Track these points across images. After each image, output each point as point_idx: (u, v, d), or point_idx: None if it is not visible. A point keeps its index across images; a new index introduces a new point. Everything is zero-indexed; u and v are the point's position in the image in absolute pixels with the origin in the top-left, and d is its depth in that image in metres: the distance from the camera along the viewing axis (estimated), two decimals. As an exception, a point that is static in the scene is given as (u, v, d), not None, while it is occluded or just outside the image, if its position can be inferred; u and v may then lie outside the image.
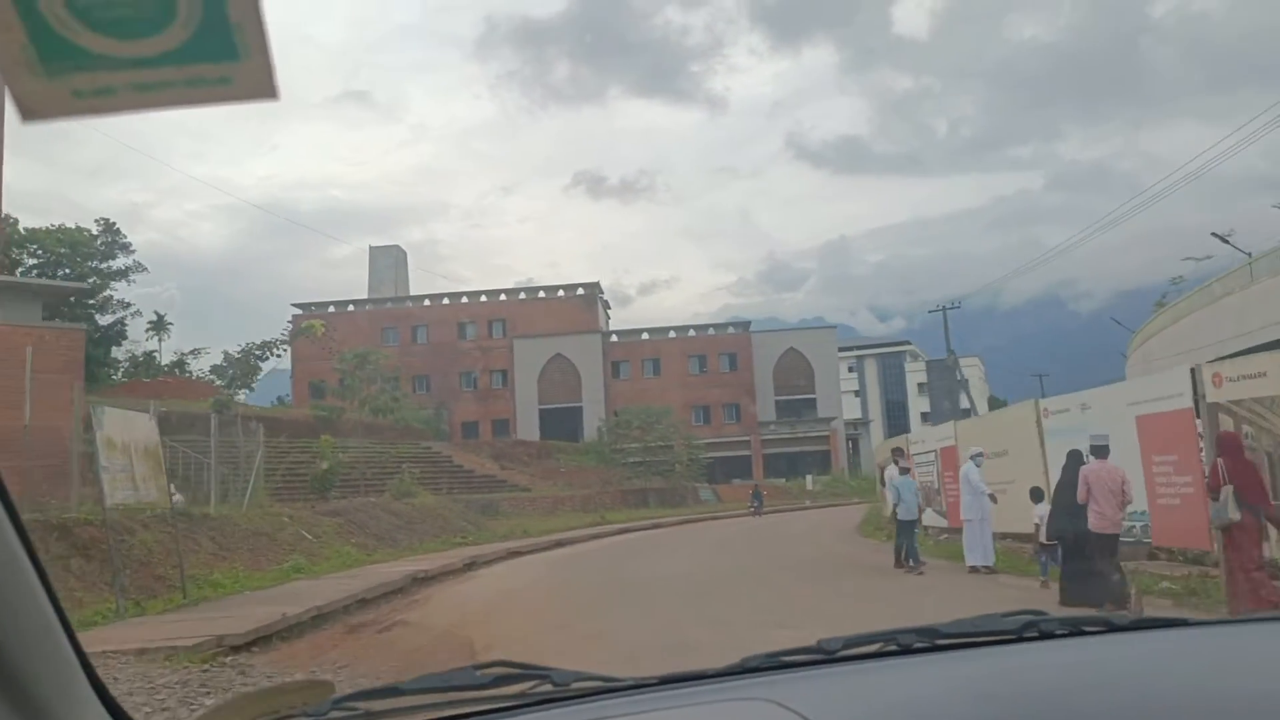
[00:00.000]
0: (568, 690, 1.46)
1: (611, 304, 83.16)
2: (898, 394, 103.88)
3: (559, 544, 26.15)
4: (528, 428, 69.81)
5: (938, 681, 1.44)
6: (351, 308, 75.68)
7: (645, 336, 75.55)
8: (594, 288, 76.43)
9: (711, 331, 75.51)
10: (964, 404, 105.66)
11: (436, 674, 1.48)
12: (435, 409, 70.13)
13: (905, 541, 13.86)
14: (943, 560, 14.70)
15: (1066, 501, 9.90)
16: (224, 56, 0.80)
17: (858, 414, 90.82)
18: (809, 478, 63.56)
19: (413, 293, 79.11)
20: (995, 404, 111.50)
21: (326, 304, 75.77)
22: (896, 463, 15.08)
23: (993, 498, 12.81)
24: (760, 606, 11.58)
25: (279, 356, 20.64)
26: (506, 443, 61.98)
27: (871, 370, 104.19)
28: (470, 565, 19.16)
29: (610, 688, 1.48)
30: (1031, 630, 1.59)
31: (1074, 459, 9.82)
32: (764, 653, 1.55)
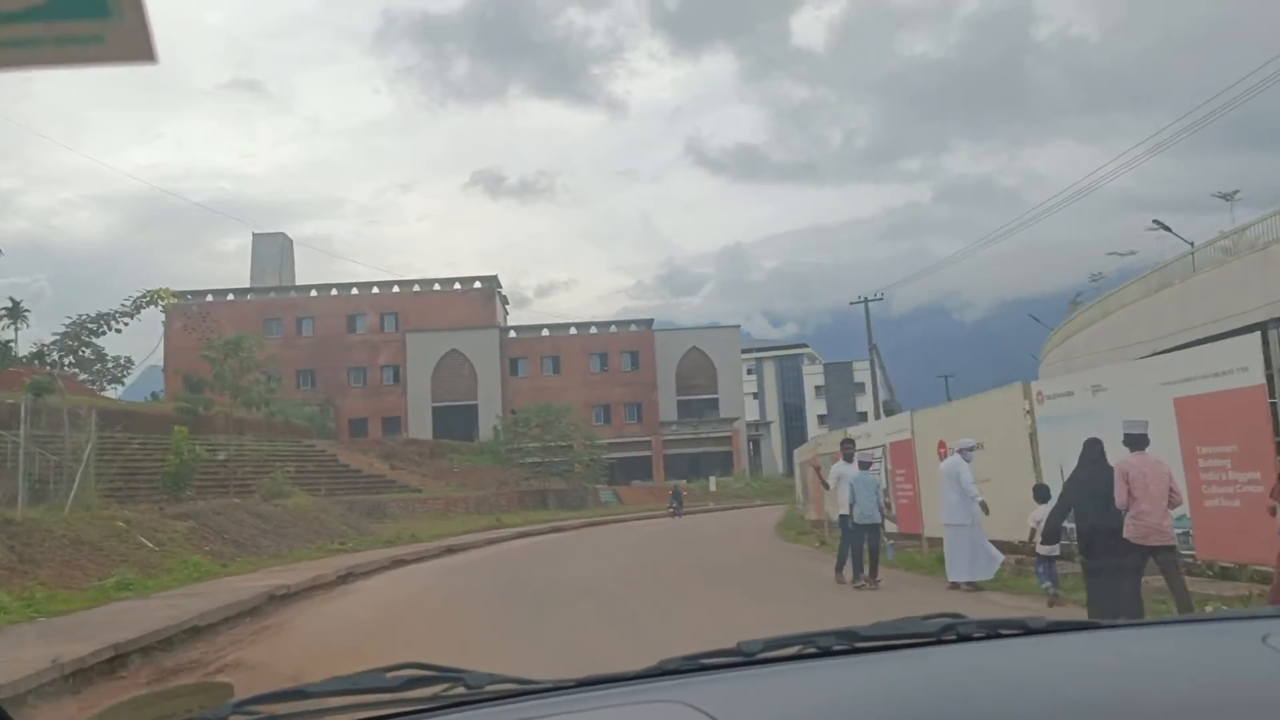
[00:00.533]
0: (482, 693, 1.42)
1: (509, 303, 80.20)
2: (795, 396, 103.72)
3: (450, 550, 23.46)
4: (420, 426, 66.47)
5: (855, 683, 1.43)
6: (231, 297, 71.05)
7: (545, 333, 72.90)
8: (492, 281, 73.39)
9: (613, 329, 73.29)
10: (869, 400, 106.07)
11: (345, 676, 1.41)
12: (321, 405, 66.28)
13: (854, 550, 11.77)
14: (902, 571, 12.64)
15: (1080, 501, 7.92)
16: (93, 13, 0.77)
17: (755, 416, 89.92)
18: (712, 479, 61.88)
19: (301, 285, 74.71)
20: (891, 409, 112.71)
21: (204, 292, 70.93)
22: (848, 457, 13.02)
23: (984, 506, 10.64)
24: (701, 635, 9.31)
25: (118, 331, 17.57)
26: (397, 441, 58.62)
27: (770, 373, 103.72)
28: (346, 577, 16.40)
29: (526, 690, 1.44)
30: (949, 633, 1.59)
31: (1093, 450, 7.83)
32: (682, 655, 1.52)
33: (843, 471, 12.48)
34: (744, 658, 1.53)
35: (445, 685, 1.43)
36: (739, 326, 78.80)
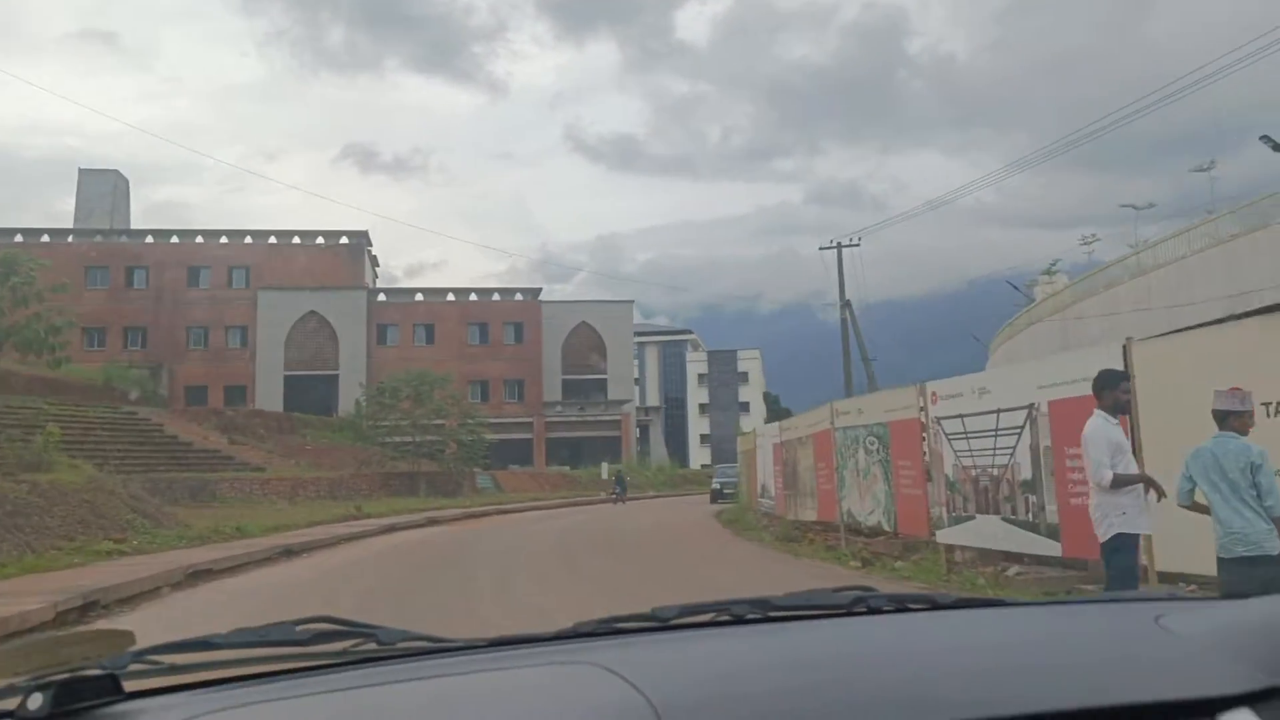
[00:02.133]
0: (394, 649, 1.41)
1: (379, 265, 71.76)
2: (677, 384, 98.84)
3: (289, 553, 16.48)
4: (270, 396, 58.07)
5: (767, 650, 1.46)
6: (48, 238, 60.54)
7: (419, 298, 65.15)
8: (362, 237, 65.10)
9: (497, 297, 66.11)
10: (752, 390, 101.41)
11: (251, 628, 1.39)
12: (152, 369, 57.12)
13: None
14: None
15: None
16: None
17: (637, 401, 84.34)
18: (605, 466, 55.71)
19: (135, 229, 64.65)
20: (770, 400, 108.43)
21: (13, 231, 60.34)
22: (1117, 407, 6.14)
23: None
24: None
25: None
26: (241, 412, 50.35)
27: (652, 358, 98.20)
28: (86, 607, 9.43)
29: (439, 648, 1.44)
30: (860, 605, 1.64)
31: None
32: (597, 619, 1.54)
33: (1121, 439, 6.00)
34: (659, 623, 1.54)
35: (356, 640, 1.41)
36: (633, 303, 72.47)
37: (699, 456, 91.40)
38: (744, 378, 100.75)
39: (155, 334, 60.31)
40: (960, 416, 9.99)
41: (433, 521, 26.92)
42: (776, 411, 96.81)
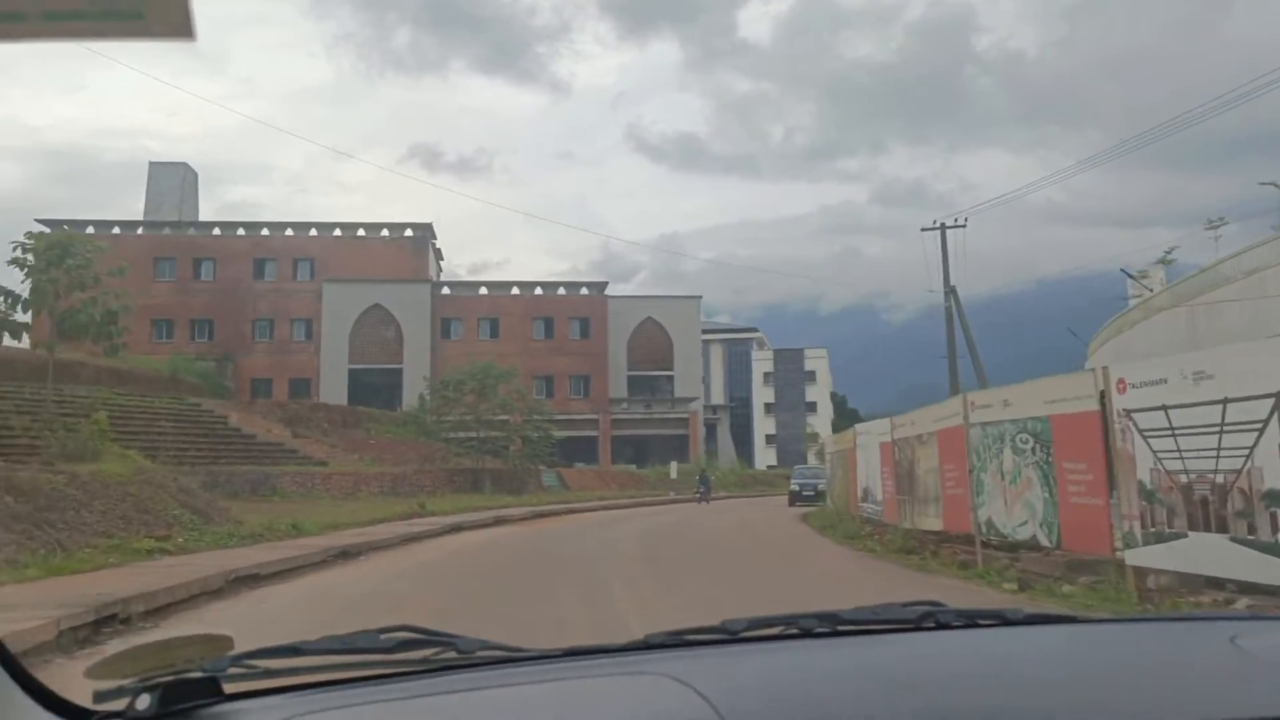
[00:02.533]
0: (473, 658, 1.47)
1: (444, 259, 70.80)
2: (742, 384, 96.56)
3: (345, 555, 14.99)
4: (334, 390, 57.37)
5: (835, 663, 1.47)
6: (118, 230, 60.57)
7: (483, 291, 63.96)
8: (426, 230, 64.18)
9: (562, 291, 64.63)
10: (820, 390, 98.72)
11: (339, 636, 1.45)
12: (219, 361, 56.92)
13: None
14: None
15: None
16: None
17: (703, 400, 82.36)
18: (674, 465, 53.90)
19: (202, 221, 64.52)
20: (837, 400, 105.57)
21: (85, 222, 60.46)
22: None
23: None
24: None
25: None
26: (305, 405, 49.61)
27: (716, 357, 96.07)
28: (100, 623, 7.94)
29: (515, 657, 1.49)
30: (929, 620, 1.63)
31: None
32: (668, 630, 1.56)
33: None
34: (728, 635, 1.55)
35: (436, 649, 1.45)
36: (700, 298, 70.41)
37: (764, 457, 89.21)
38: (811, 377, 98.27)
39: (222, 326, 60.08)
40: (1164, 408, 8.00)
41: (500, 521, 25.38)
42: (844, 412, 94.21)
